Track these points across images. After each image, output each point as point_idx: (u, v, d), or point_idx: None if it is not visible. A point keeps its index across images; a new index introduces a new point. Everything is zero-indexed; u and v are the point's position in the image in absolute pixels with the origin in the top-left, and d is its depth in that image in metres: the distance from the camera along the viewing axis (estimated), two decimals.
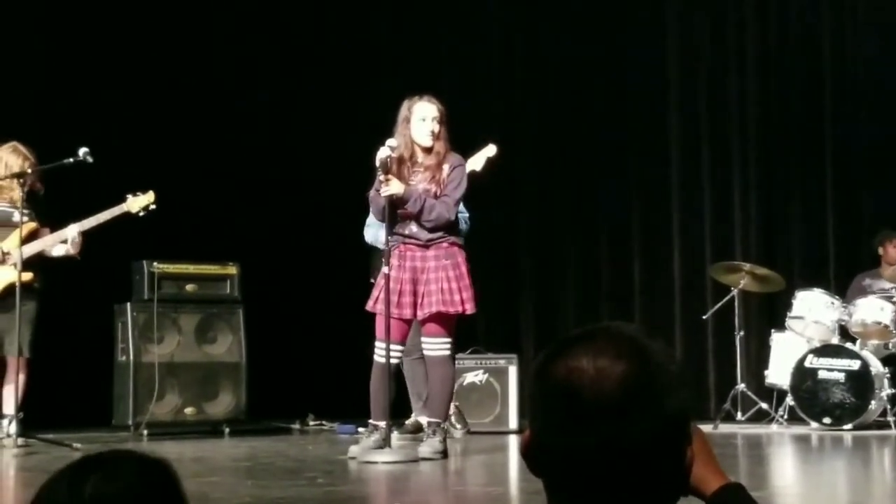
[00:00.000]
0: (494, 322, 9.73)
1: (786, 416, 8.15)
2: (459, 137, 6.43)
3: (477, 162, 6.69)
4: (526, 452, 1.33)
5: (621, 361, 1.27)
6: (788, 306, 8.38)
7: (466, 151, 6.66)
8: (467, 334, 7.84)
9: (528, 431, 1.33)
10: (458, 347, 7.02)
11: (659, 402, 1.27)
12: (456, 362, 6.75)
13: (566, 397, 1.27)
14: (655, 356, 1.30)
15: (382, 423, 6.00)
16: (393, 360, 6.06)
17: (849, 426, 7.83)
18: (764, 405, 8.32)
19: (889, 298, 8.32)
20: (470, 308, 6.10)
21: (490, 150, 6.70)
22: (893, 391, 7.98)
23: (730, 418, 8.31)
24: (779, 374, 8.27)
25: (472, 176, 6.56)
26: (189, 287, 7.80)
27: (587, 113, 9.92)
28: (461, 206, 6.60)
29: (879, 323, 8.14)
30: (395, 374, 6.29)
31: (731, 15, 9.85)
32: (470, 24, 10.08)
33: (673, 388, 1.29)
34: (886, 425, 7.87)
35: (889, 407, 7.92)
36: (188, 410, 7.67)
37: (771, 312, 9.04)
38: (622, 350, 1.28)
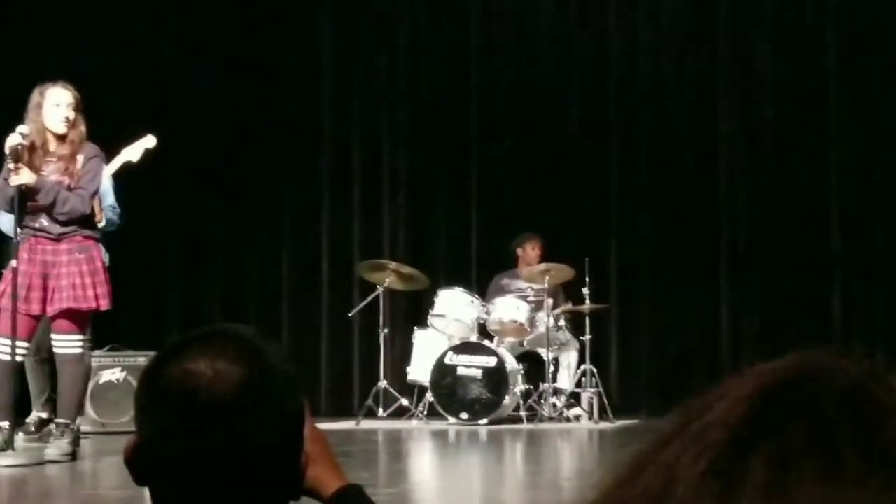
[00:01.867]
0: (138, 319, 9.38)
1: (426, 412, 8.32)
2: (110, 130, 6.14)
3: (134, 152, 6.42)
4: (131, 460, 1.27)
5: (239, 364, 1.24)
6: (432, 304, 8.57)
7: (121, 143, 6.38)
8: (107, 331, 7.53)
9: (135, 438, 1.27)
10: (95, 344, 6.72)
11: (276, 405, 1.26)
12: (92, 360, 6.45)
13: (182, 401, 1.23)
14: (272, 358, 1.28)
15: (5, 424, 5.64)
16: (18, 358, 5.70)
17: (484, 421, 8.08)
18: (405, 401, 8.46)
19: (525, 298, 8.67)
20: (105, 304, 5.83)
21: (149, 140, 6.45)
22: (527, 387, 8.31)
23: (372, 415, 8.40)
24: (420, 370, 8.43)
25: (128, 166, 6.32)
26: None
27: (239, 107, 9.76)
28: (112, 200, 6.33)
29: (515, 321, 8.47)
30: (19, 373, 5.93)
31: (385, 13, 9.99)
32: (118, 14, 9.67)
33: (289, 390, 1.28)
34: (519, 419, 8.19)
35: (522, 402, 8.25)
36: None
37: (416, 310, 9.22)
38: (240, 352, 1.26)
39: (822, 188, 9.14)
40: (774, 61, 9.36)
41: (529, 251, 9.11)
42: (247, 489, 1.25)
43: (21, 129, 5.70)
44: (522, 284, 8.90)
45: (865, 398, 0.53)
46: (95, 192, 5.92)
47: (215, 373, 1.23)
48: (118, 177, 6.46)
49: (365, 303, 8.78)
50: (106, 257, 6.09)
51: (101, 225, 6.12)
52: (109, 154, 6.24)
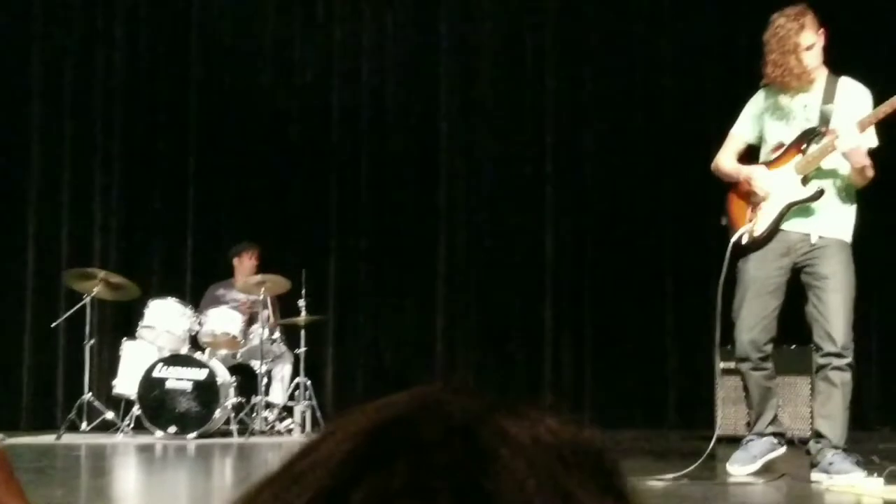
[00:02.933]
0: None
1: (132, 426, 8.04)
2: None
3: None
4: None
5: None
6: (142, 315, 8.32)
7: None
8: None
9: None
10: None
11: None
12: None
13: None
14: None
15: None
16: None
17: (193, 435, 7.88)
18: (110, 415, 8.16)
19: (240, 309, 8.53)
20: None
21: None
22: (239, 400, 8.17)
23: (74, 428, 8.05)
24: (127, 383, 8.14)
25: None
26: None
27: None
28: None
29: (228, 333, 8.32)
30: None
31: (103, 7, 9.67)
32: None
33: None
34: (230, 433, 8.04)
35: (233, 415, 8.10)
36: None
37: (126, 321, 8.92)
38: None
39: (538, 205, 9.39)
40: (494, 80, 9.59)
41: (246, 261, 8.99)
42: None
43: None
44: (239, 295, 8.76)
45: (471, 441, 0.52)
46: None
47: None
48: None
49: (70, 312, 8.42)
50: None
51: None
52: None
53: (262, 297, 8.42)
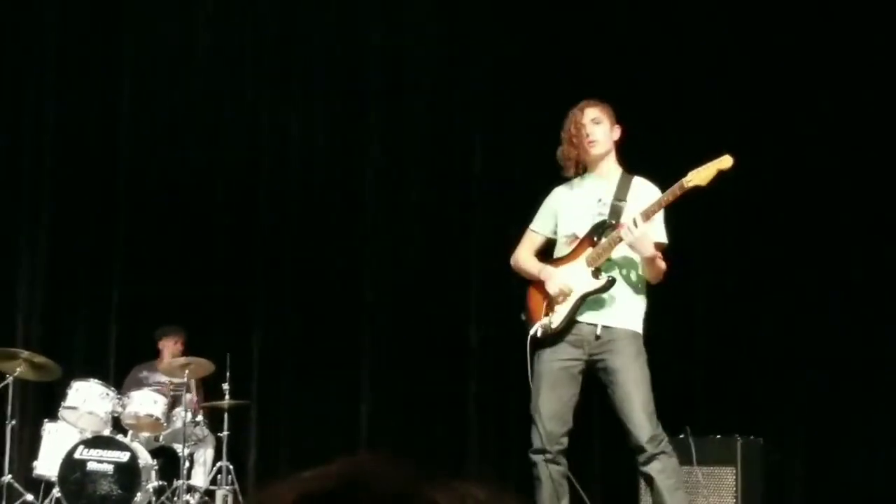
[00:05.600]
0: None
1: None
2: None
3: None
4: None
5: None
6: (64, 396, 8.26)
7: None
8: None
9: None
10: None
11: None
12: None
13: None
14: None
15: None
16: None
17: None
18: (30, 497, 8.06)
19: (163, 391, 8.51)
20: None
21: None
22: (160, 483, 8.11)
23: None
24: (49, 465, 8.05)
25: None
26: None
27: None
28: None
29: (152, 416, 8.27)
30: None
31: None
32: None
33: None
34: None
35: (154, 499, 8.04)
36: None
37: (48, 401, 8.84)
38: None
39: (462, 287, 9.47)
40: (421, 172, 9.73)
41: (171, 346, 8.98)
42: None
43: None
44: (162, 378, 8.73)
45: None
46: None
47: None
48: None
49: None
50: None
51: None
52: None
53: (185, 379, 8.41)
